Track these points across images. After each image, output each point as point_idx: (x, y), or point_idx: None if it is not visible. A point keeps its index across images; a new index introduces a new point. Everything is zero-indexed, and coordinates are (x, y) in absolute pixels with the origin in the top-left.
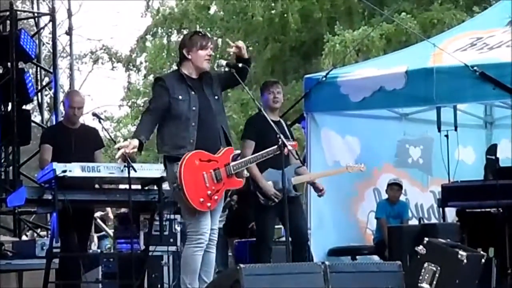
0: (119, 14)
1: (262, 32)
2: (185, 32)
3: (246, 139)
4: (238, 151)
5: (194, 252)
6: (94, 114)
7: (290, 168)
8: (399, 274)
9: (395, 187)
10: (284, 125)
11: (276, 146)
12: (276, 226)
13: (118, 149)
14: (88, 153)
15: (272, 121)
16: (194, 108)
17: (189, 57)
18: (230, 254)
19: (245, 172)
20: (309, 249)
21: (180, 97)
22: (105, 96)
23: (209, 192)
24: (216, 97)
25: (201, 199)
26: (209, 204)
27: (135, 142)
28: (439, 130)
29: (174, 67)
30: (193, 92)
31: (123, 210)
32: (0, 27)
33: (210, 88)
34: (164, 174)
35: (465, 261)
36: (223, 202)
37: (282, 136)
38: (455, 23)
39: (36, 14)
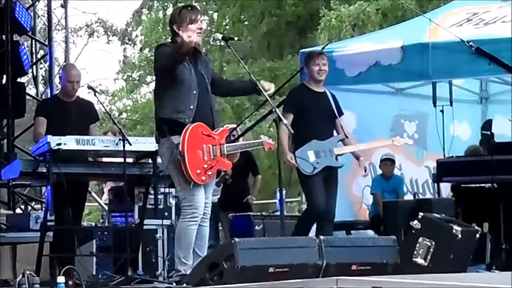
0: None
1: (258, 6)
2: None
3: (285, 112)
4: (233, 126)
5: (188, 226)
6: (90, 87)
7: (333, 139)
8: (394, 248)
9: (388, 162)
10: (330, 96)
11: (260, 140)
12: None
13: None
14: (84, 126)
15: (317, 92)
16: (195, 79)
17: (180, 32)
18: (220, 228)
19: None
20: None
21: (184, 64)
22: (100, 70)
23: (205, 165)
24: (208, 79)
25: (198, 171)
26: (203, 178)
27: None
28: (435, 105)
29: (169, 41)
30: (190, 65)
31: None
32: None
33: (205, 68)
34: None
35: (459, 236)
36: (215, 177)
37: (277, 110)
38: None
39: None
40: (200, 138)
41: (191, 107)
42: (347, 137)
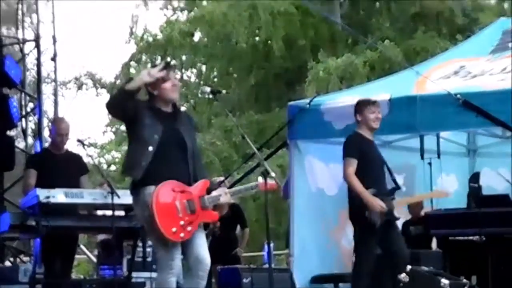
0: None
1: (246, 59)
2: (168, 59)
3: (349, 157)
4: (221, 178)
5: (167, 279)
6: (79, 140)
7: (390, 191)
8: None
9: None
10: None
11: (256, 183)
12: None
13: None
14: (74, 178)
15: (371, 141)
16: (156, 136)
17: (155, 92)
18: (213, 281)
19: (227, 198)
20: (291, 276)
21: (146, 122)
22: (89, 122)
23: (182, 222)
24: (187, 136)
25: (174, 229)
26: (182, 235)
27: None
28: (422, 158)
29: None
30: (160, 123)
31: (106, 236)
32: None
33: (185, 125)
34: None
35: None
36: (204, 232)
37: (265, 163)
38: (439, 51)
39: (21, 40)
40: (171, 196)
41: (143, 163)
42: (399, 188)
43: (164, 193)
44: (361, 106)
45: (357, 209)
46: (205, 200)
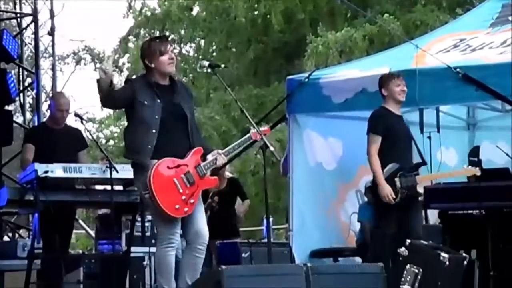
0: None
1: (245, 33)
2: (167, 33)
3: (373, 134)
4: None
5: (166, 253)
6: (76, 115)
7: (415, 165)
8: (381, 276)
9: None
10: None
11: (248, 134)
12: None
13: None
14: (72, 153)
15: (398, 115)
16: (156, 116)
17: (152, 65)
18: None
19: (226, 173)
20: (291, 250)
21: (145, 102)
22: (87, 97)
23: (183, 197)
24: (186, 107)
25: (177, 206)
26: (186, 209)
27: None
28: (422, 132)
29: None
30: (159, 100)
31: (104, 211)
32: None
33: (183, 97)
34: None
35: (447, 263)
36: (202, 204)
37: (264, 137)
38: (438, 24)
39: (18, 15)
40: (168, 174)
41: (149, 146)
42: (425, 163)
43: (160, 173)
44: (386, 80)
45: (376, 185)
46: (202, 168)
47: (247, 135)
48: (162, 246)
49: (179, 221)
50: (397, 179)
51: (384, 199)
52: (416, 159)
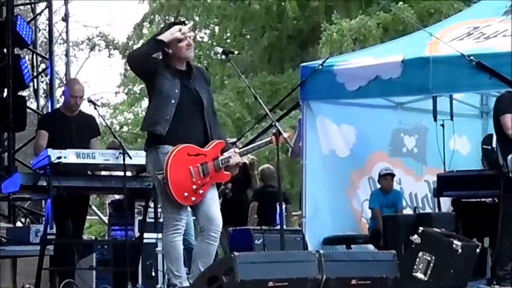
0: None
1: (259, 20)
2: (182, 19)
3: (503, 113)
4: (233, 139)
5: (172, 239)
6: (90, 101)
7: None
8: (393, 263)
9: (388, 177)
10: None
11: (269, 138)
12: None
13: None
14: (85, 140)
15: None
16: (176, 90)
17: (170, 51)
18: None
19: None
20: (303, 237)
21: (167, 75)
22: (101, 83)
23: (194, 186)
24: (204, 94)
25: (186, 194)
26: (193, 199)
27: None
28: (435, 120)
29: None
30: (177, 79)
31: (117, 197)
32: None
33: (200, 83)
34: None
35: (460, 250)
36: (217, 192)
37: (277, 124)
38: (452, 12)
39: (32, 0)
40: (186, 160)
41: (167, 117)
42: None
43: (179, 158)
44: None
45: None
46: (219, 162)
47: (267, 139)
48: (168, 232)
49: (186, 207)
50: None
51: None
52: None
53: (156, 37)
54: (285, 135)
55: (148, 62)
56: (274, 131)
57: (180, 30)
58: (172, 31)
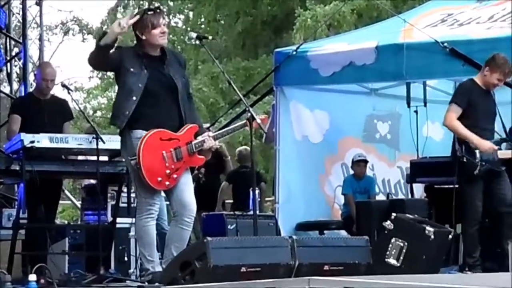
0: None
1: (234, 6)
2: (156, 4)
3: (454, 103)
4: (207, 125)
5: (145, 223)
6: (63, 85)
7: (496, 141)
8: (366, 249)
9: (361, 163)
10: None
11: (243, 121)
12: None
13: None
14: (58, 124)
15: (486, 90)
16: (140, 85)
17: (144, 37)
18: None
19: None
20: (276, 223)
21: (131, 69)
22: (75, 68)
23: (168, 171)
24: (178, 78)
25: (159, 178)
26: (167, 183)
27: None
28: (409, 106)
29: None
30: (145, 71)
31: (90, 181)
32: None
33: (175, 68)
34: None
35: (432, 237)
36: (191, 177)
37: (251, 109)
38: None
39: None
40: (159, 145)
41: (126, 112)
42: (507, 139)
43: (152, 143)
44: (494, 64)
45: (456, 157)
46: (193, 146)
47: (242, 122)
48: (141, 216)
49: (159, 192)
50: (477, 151)
51: (489, 151)
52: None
53: (100, 42)
54: (259, 120)
55: (105, 63)
56: (248, 116)
57: (119, 25)
58: (112, 29)
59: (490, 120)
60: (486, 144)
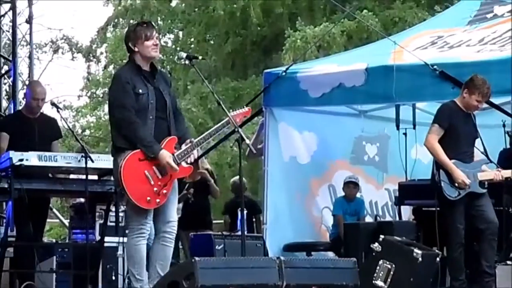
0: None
1: (223, 26)
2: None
3: (436, 124)
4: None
5: (137, 242)
6: (53, 104)
7: (476, 163)
8: (354, 270)
9: (351, 185)
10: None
11: (226, 119)
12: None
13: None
14: (47, 143)
15: (466, 113)
16: (152, 101)
17: (136, 49)
18: (180, 247)
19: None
20: (264, 243)
21: (140, 91)
22: (64, 86)
23: (155, 189)
24: (166, 93)
25: (148, 198)
26: (158, 200)
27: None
28: (398, 128)
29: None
30: (149, 84)
31: (79, 200)
32: None
33: (164, 83)
34: None
35: (420, 259)
36: (177, 194)
37: (240, 130)
38: (417, 21)
39: None
40: (138, 165)
41: (150, 132)
42: (490, 161)
43: (131, 165)
44: (473, 86)
45: (434, 182)
46: (175, 158)
47: (224, 121)
48: (133, 236)
49: (151, 211)
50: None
51: (460, 184)
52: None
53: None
54: (247, 141)
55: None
56: (236, 137)
57: (172, 168)
58: (164, 158)
59: (469, 142)
60: (459, 177)
